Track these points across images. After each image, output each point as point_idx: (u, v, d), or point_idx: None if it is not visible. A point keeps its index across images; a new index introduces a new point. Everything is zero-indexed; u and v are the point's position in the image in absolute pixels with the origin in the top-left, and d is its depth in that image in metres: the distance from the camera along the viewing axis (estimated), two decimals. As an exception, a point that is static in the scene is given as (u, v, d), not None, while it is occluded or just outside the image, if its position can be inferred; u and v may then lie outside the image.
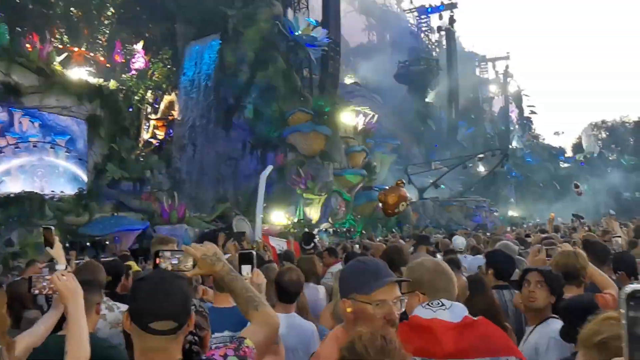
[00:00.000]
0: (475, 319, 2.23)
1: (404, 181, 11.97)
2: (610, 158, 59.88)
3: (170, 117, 27.12)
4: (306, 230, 9.50)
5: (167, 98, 27.32)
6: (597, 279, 3.89)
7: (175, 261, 1.97)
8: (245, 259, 2.50)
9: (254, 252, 2.60)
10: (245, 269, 2.45)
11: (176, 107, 26.91)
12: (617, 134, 65.03)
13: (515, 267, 4.59)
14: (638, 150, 58.38)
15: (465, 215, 32.76)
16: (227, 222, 19.20)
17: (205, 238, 9.51)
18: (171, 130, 26.70)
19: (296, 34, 26.06)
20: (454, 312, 2.23)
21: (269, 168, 15.59)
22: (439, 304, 2.27)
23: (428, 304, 2.28)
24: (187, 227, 17.71)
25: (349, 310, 2.01)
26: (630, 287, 0.83)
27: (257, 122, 24.49)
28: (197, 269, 1.97)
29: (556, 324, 2.97)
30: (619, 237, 6.53)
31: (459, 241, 8.59)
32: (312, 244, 9.17)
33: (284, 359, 2.24)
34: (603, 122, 68.71)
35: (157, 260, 1.98)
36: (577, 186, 11.90)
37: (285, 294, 3.52)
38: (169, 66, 26.59)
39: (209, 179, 24.39)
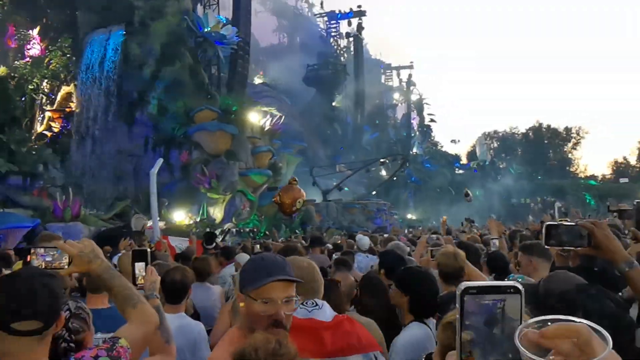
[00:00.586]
0: (342, 317, 2.33)
1: (298, 179, 12.12)
2: (500, 166, 64.17)
3: (67, 109, 25.58)
4: (208, 229, 9.43)
5: (65, 89, 25.74)
6: (474, 278, 4.26)
7: (49, 258, 1.90)
8: (139, 256, 2.48)
9: (149, 250, 2.61)
10: (139, 266, 2.44)
11: (74, 98, 25.47)
12: (507, 144, 69.86)
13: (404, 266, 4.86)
14: (525, 159, 63.06)
15: (366, 217, 33.81)
16: (125, 221, 18.54)
17: (101, 237, 9.20)
18: (68, 123, 25.22)
19: (205, 30, 25.65)
20: (325, 312, 2.32)
21: (159, 162, 15.00)
22: (313, 304, 2.35)
23: (303, 304, 2.32)
24: (82, 226, 16.91)
25: (242, 305, 1.95)
26: (464, 284, 0.90)
27: (162, 118, 23.80)
28: (72, 266, 1.90)
29: (413, 328, 3.16)
30: (497, 239, 7.09)
31: (364, 241, 8.90)
32: (214, 244, 9.15)
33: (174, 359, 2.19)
34: (495, 132, 73.53)
35: (29, 258, 1.90)
36: (467, 194, 12.62)
37: (169, 294, 3.49)
38: (68, 55, 25.12)
39: (108, 176, 23.35)
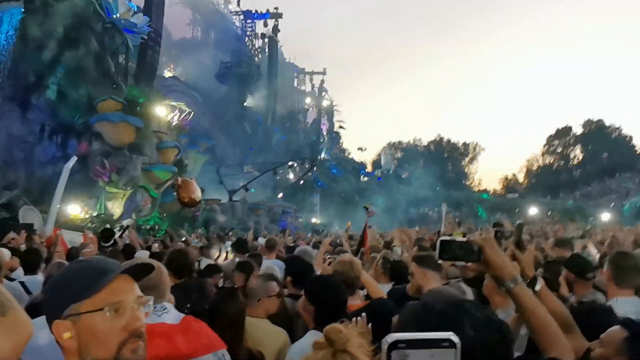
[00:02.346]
0: (188, 318, 2.26)
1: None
2: (403, 176, 66.69)
3: (-49, 87, 23.41)
4: (108, 226, 9.00)
5: (-50, 65, 23.56)
6: (369, 287, 4.38)
7: None
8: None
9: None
10: None
11: (-39, 76, 23.34)
12: (410, 155, 72.82)
13: (312, 273, 4.56)
14: (426, 170, 66.01)
15: (272, 219, 33.83)
16: (13, 212, 17.25)
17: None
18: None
19: (114, 16, 24.49)
20: (172, 314, 2.28)
21: (74, 159, 14.30)
22: (162, 307, 2.29)
23: (153, 308, 2.20)
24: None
25: (66, 336, 1.40)
26: (392, 337, 0.82)
27: (61, 105, 22.34)
28: None
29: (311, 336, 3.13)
30: (399, 247, 7.36)
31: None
32: (112, 241, 8.76)
33: None
34: (400, 142, 76.44)
35: None
36: (366, 209, 12.86)
37: None
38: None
39: (-3, 162, 21.56)
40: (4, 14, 22.63)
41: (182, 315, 2.25)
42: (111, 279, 1.42)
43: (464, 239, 2.06)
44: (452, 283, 3.32)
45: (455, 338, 0.83)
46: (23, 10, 22.37)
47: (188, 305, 3.74)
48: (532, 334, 1.95)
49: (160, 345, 2.07)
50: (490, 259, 1.95)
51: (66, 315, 1.41)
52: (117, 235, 9.05)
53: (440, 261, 2.16)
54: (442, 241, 2.06)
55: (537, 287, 2.15)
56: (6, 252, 5.03)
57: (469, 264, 2.06)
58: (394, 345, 0.81)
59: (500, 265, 1.95)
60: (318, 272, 5.17)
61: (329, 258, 4.73)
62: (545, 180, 67.04)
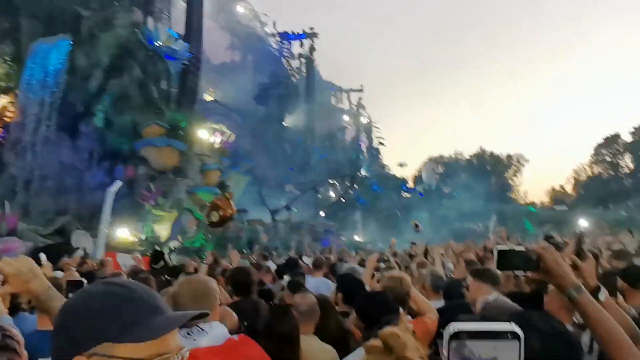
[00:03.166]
0: (235, 338, 2.17)
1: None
2: (445, 191, 65.77)
3: (6, 119, 24.43)
4: (156, 248, 9.13)
5: (4, 97, 24.64)
6: (418, 303, 4.27)
7: None
8: (74, 288, 2.22)
9: (85, 281, 2.42)
10: None
11: (14, 108, 24.35)
12: (452, 169, 71.82)
13: (364, 291, 4.58)
14: (468, 184, 64.93)
15: (314, 238, 33.81)
16: (66, 237, 17.78)
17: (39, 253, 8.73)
18: (5, 133, 24.02)
19: (156, 44, 25.24)
20: (214, 334, 2.13)
21: (118, 183, 14.74)
22: (198, 330, 2.14)
23: (188, 333, 2.11)
24: (19, 241, 16.09)
25: None
26: (454, 326, 0.80)
27: (107, 132, 23.11)
28: (7, 286, 1.75)
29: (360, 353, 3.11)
30: (451, 262, 7.19)
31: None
32: (162, 263, 8.85)
33: None
34: (440, 157, 75.52)
35: None
36: (416, 225, 12.67)
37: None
38: (9, 63, 24.12)
39: (49, 190, 22.25)
40: (52, 46, 23.64)
41: (228, 335, 2.16)
42: (169, 330, 1.08)
43: (522, 248, 2.05)
44: (498, 299, 3.18)
45: (518, 330, 0.80)
46: (71, 42, 23.32)
47: (245, 324, 3.72)
48: (600, 344, 1.86)
49: None
50: (550, 268, 1.90)
51: (92, 353, 1.04)
52: (166, 257, 9.14)
53: (498, 271, 2.10)
54: (500, 251, 2.04)
55: (602, 297, 2.06)
56: (59, 275, 5.14)
57: (528, 273, 2.04)
58: (456, 335, 0.78)
59: (561, 273, 1.90)
60: (367, 288, 5.09)
61: (377, 274, 4.66)
62: (595, 191, 64.87)
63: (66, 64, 23.10)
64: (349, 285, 4.53)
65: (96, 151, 22.99)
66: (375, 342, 1.37)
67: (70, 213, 20.56)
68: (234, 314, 2.48)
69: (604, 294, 2.10)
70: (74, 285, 2.21)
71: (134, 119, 23.23)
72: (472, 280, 4.18)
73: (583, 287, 1.89)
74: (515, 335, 0.80)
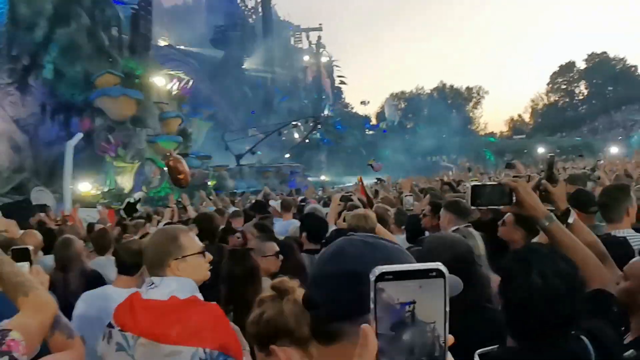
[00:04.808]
0: (182, 299, 2.09)
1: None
2: (408, 126, 66.27)
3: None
4: (131, 200, 8.97)
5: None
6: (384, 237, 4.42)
7: None
8: (19, 255, 2.11)
9: (30, 248, 2.34)
10: (21, 267, 1.98)
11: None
12: (413, 104, 72.09)
13: (327, 230, 4.72)
14: (430, 118, 65.44)
15: (281, 180, 33.93)
16: (25, 194, 17.41)
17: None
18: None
19: (102, -12, 24.08)
20: (162, 290, 2.11)
21: (78, 136, 14.32)
22: (150, 283, 2.17)
23: (146, 284, 2.18)
24: (-25, 201, 15.71)
25: None
26: (378, 269, 0.78)
27: (59, 84, 22.19)
28: None
29: None
30: (410, 195, 7.36)
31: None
32: (137, 213, 8.80)
33: (83, 355, 1.92)
34: (402, 92, 75.57)
35: None
36: (371, 165, 12.64)
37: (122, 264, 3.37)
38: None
39: (2, 147, 21.51)
40: (-10, -3, 22.26)
41: (174, 293, 2.08)
42: None
43: (495, 183, 2.04)
44: (461, 229, 3.32)
45: (443, 268, 0.78)
46: (9, -10, 21.97)
47: (210, 267, 3.79)
48: None
49: (124, 314, 2.07)
50: (523, 200, 1.95)
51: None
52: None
53: (473, 207, 2.12)
54: (474, 186, 2.03)
55: (571, 220, 2.12)
56: (37, 234, 5.10)
57: (501, 207, 2.04)
58: (381, 277, 0.77)
59: (534, 205, 1.96)
60: (332, 227, 5.21)
61: (344, 213, 4.77)
62: (552, 118, 66.29)
63: (6, 14, 21.83)
64: (312, 224, 4.65)
65: (48, 104, 22.11)
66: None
67: (26, 170, 20.02)
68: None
69: (572, 216, 2.14)
70: (18, 252, 2.08)
71: (85, 69, 22.34)
72: (446, 212, 4.28)
73: (554, 216, 1.97)
74: (440, 273, 0.78)
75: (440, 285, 0.80)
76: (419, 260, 0.87)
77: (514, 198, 1.96)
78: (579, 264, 1.78)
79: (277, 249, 3.79)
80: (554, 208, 2.11)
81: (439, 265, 0.80)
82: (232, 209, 8.25)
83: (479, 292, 2.38)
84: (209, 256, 2.35)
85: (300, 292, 1.49)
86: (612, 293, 1.90)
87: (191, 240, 2.31)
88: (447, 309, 0.80)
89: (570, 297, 1.54)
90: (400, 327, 0.79)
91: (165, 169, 10.60)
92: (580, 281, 1.61)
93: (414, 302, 0.79)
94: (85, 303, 3.22)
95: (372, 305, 0.79)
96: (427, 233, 4.56)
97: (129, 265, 3.32)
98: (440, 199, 5.55)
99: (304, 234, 4.54)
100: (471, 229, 3.21)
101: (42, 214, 8.94)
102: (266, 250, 3.72)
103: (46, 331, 1.75)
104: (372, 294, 0.79)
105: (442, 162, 51.94)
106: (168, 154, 10.81)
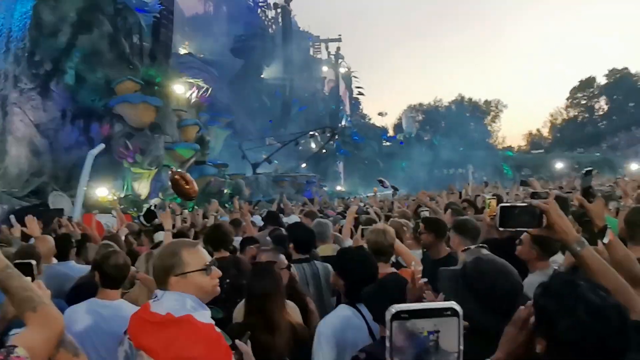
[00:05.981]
0: (177, 317, 2.05)
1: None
2: (425, 138, 66.06)
3: (-28, 79, 23.62)
4: (150, 206, 8.90)
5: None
6: (402, 254, 4.31)
7: None
8: (22, 271, 1.94)
9: (33, 263, 2.27)
10: None
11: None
12: (431, 116, 71.89)
13: (314, 239, 4.72)
14: (447, 131, 65.18)
15: (296, 190, 33.89)
16: (43, 199, 17.55)
17: (16, 216, 8.56)
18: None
19: (125, -4, 24.39)
20: (162, 304, 2.09)
21: (100, 146, 14.41)
22: (154, 295, 2.15)
23: (153, 296, 2.18)
24: (-6, 204, 15.87)
25: None
26: (395, 307, 0.81)
27: (80, 90, 22.46)
28: None
29: (341, 310, 2.98)
30: (427, 210, 7.23)
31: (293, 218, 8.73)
32: (157, 221, 8.74)
33: None
34: (420, 105, 75.40)
35: None
36: (381, 181, 12.41)
37: (109, 278, 3.28)
38: (-30, 20, 23.08)
39: (23, 151, 21.75)
40: (16, 2, 22.64)
41: (171, 310, 2.05)
42: None
43: (525, 204, 1.93)
44: (473, 250, 3.21)
45: (457, 307, 0.82)
46: (34, -4, 22.31)
47: (227, 281, 3.71)
48: None
49: (134, 328, 2.08)
50: (555, 223, 1.84)
51: None
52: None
53: (501, 229, 1.95)
54: (502, 207, 1.92)
55: (605, 240, 2.01)
56: (51, 240, 5.06)
57: (530, 229, 1.93)
58: (397, 315, 0.80)
59: (565, 229, 1.84)
60: (348, 242, 5.12)
61: (361, 228, 4.67)
62: (571, 133, 65.60)
63: (31, 19, 22.18)
64: (299, 234, 4.62)
65: (69, 110, 22.35)
66: None
67: (45, 174, 20.20)
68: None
69: (608, 235, 2.04)
70: (20, 267, 1.93)
71: (106, 76, 22.60)
72: (454, 234, 4.21)
73: (586, 242, 1.85)
74: (454, 312, 0.82)
75: (454, 323, 0.83)
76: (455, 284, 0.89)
77: (544, 220, 1.85)
78: (612, 292, 1.61)
79: (287, 262, 3.78)
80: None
81: (452, 304, 0.84)
82: (254, 217, 8.18)
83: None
84: (217, 272, 2.25)
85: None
86: None
87: (195, 255, 2.23)
88: (462, 347, 0.84)
89: (621, 331, 1.40)
90: (425, 356, 0.82)
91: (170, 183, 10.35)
92: (627, 314, 1.44)
93: (438, 332, 0.82)
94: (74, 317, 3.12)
95: (387, 344, 0.83)
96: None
97: (113, 278, 3.26)
98: (462, 215, 5.46)
99: (291, 245, 4.47)
100: (483, 250, 3.10)
101: (64, 218, 8.92)
102: (281, 262, 3.69)
103: (53, 348, 1.70)
104: (387, 332, 0.82)
105: (458, 175, 51.41)
106: (170, 171, 10.65)
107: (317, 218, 7.12)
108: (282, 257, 3.78)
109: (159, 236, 5.92)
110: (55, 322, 1.70)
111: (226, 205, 23.76)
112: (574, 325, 1.39)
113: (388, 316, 0.81)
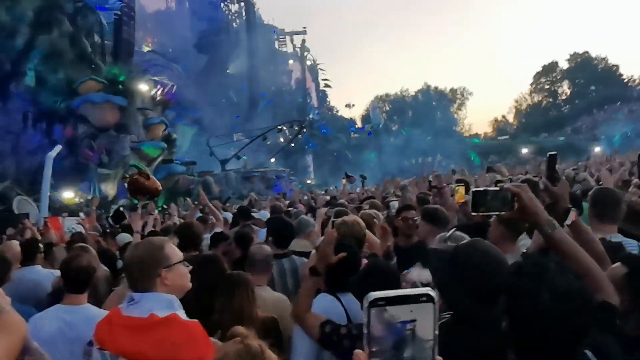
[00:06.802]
0: (162, 317, 2.03)
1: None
2: (393, 128, 66.49)
3: None
4: (120, 208, 8.79)
5: None
6: (373, 245, 4.40)
7: None
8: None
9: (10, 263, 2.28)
10: None
11: None
12: (398, 106, 72.37)
13: (293, 234, 4.70)
14: (415, 120, 65.72)
15: (266, 185, 33.79)
16: (6, 204, 17.15)
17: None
18: None
19: (84, -6, 23.85)
20: (142, 307, 2.06)
21: (57, 147, 14.08)
22: (130, 299, 2.12)
23: (127, 300, 2.14)
24: (-44, 211, 15.44)
25: None
26: (371, 295, 0.83)
27: (41, 91, 21.93)
28: None
29: (320, 300, 3.01)
30: (396, 201, 7.32)
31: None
32: (125, 221, 8.65)
33: None
34: (387, 95, 75.82)
35: None
36: (349, 176, 12.37)
37: (73, 282, 3.21)
38: None
39: (-17, 156, 21.18)
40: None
41: (154, 310, 2.04)
42: None
43: (497, 188, 1.98)
44: (454, 235, 3.27)
45: (433, 293, 0.83)
46: (-12, -4, 21.66)
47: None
48: None
49: (105, 332, 2.05)
50: (526, 206, 1.90)
51: None
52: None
53: (474, 214, 2.02)
54: (475, 192, 1.97)
55: (568, 222, 2.09)
56: (16, 245, 4.99)
57: (503, 213, 1.98)
58: (374, 302, 0.82)
59: (536, 211, 1.91)
60: (319, 240, 5.14)
61: (332, 221, 4.70)
62: (535, 119, 66.81)
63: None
64: (278, 228, 4.62)
65: (30, 112, 21.82)
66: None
67: (8, 178, 19.69)
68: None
69: (571, 217, 2.10)
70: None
71: (68, 76, 22.10)
72: (423, 222, 4.29)
73: (557, 223, 1.91)
74: (429, 298, 0.84)
75: (430, 309, 0.84)
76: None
77: (516, 204, 1.91)
78: (582, 273, 1.74)
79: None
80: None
81: (429, 290, 0.84)
82: (225, 214, 8.17)
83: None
84: (188, 267, 2.32)
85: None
86: (615, 305, 1.82)
87: (174, 249, 2.30)
88: (437, 332, 0.85)
89: (581, 314, 1.48)
90: (402, 345, 0.83)
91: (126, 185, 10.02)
92: (590, 297, 1.54)
93: (414, 321, 0.83)
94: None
95: (365, 331, 0.83)
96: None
97: (76, 282, 3.19)
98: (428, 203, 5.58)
99: (270, 239, 4.47)
100: (462, 234, 3.16)
101: (27, 221, 8.73)
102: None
103: (16, 354, 1.69)
104: (365, 319, 0.82)
105: (426, 163, 51.98)
106: (126, 176, 10.41)
107: (281, 213, 7.18)
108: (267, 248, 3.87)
109: (123, 238, 5.88)
110: (17, 327, 1.69)
111: (196, 202, 23.63)
112: (535, 305, 1.48)
113: (365, 303, 0.82)
